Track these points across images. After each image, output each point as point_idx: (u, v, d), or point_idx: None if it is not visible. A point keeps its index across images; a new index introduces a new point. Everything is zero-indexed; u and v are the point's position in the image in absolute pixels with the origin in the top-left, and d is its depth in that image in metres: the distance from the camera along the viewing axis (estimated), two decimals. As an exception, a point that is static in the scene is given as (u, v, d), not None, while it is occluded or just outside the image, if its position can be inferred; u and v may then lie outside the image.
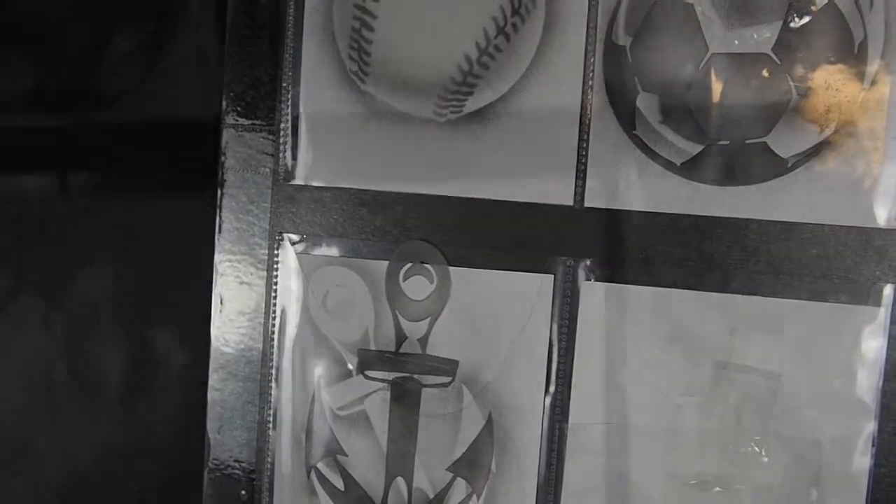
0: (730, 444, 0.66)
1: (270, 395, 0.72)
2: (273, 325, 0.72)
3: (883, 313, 0.64)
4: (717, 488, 0.66)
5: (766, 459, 0.66)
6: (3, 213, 0.77)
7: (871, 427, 0.65)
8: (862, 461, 0.65)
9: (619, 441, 0.67)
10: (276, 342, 0.72)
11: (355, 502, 0.71)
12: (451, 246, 0.69)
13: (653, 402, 0.67)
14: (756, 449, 0.66)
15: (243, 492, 0.73)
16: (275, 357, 0.72)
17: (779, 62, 0.63)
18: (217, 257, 0.72)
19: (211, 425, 0.73)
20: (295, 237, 0.71)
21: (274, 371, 0.72)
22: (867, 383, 0.65)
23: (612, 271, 0.67)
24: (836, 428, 0.65)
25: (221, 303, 0.72)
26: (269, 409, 0.72)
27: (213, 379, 0.72)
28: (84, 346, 0.77)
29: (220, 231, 0.71)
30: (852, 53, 0.63)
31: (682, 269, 0.66)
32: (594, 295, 0.67)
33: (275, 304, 0.71)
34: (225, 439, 0.73)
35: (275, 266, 0.71)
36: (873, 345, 0.64)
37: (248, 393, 0.72)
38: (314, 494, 0.72)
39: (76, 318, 0.77)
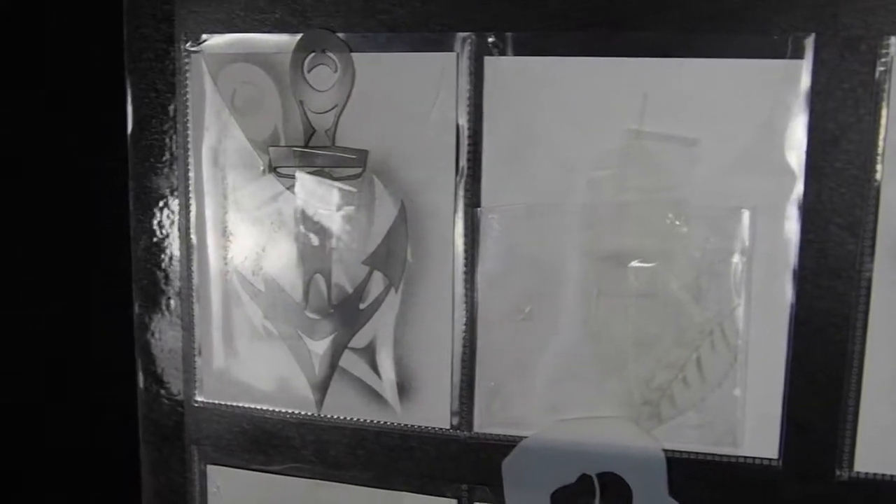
0: (646, 217, 0.58)
1: (190, 201, 0.66)
2: (186, 130, 0.65)
3: (805, 66, 0.55)
4: (636, 262, 0.59)
5: (685, 230, 0.58)
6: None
7: (797, 190, 0.56)
8: (789, 226, 0.57)
9: (532, 222, 0.60)
10: (191, 147, 0.65)
11: (276, 302, 0.65)
12: (352, 31, 0.61)
13: (565, 179, 0.59)
14: (674, 220, 0.58)
15: (170, 299, 0.68)
16: (191, 162, 0.66)
17: None
18: (126, 65, 0.66)
19: (134, 235, 0.68)
20: (200, 36, 0.64)
21: (192, 177, 0.66)
22: (791, 144, 0.56)
23: (516, 43, 0.59)
24: (758, 194, 0.57)
25: (135, 112, 0.66)
26: (189, 215, 0.67)
27: (133, 187, 0.67)
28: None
29: (126, 38, 0.65)
30: None
31: (589, 34, 0.58)
32: (499, 70, 0.59)
33: (186, 108, 0.65)
34: (149, 249, 0.68)
35: (183, 69, 0.65)
36: (796, 102, 0.56)
37: (169, 199, 0.67)
38: (237, 297, 0.66)
39: None
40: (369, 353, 0.64)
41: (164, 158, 0.66)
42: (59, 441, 0.70)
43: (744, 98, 0.56)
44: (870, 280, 0.56)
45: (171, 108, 0.65)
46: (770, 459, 0.59)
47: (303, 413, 0.66)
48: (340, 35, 0.61)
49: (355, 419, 0.65)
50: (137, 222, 0.68)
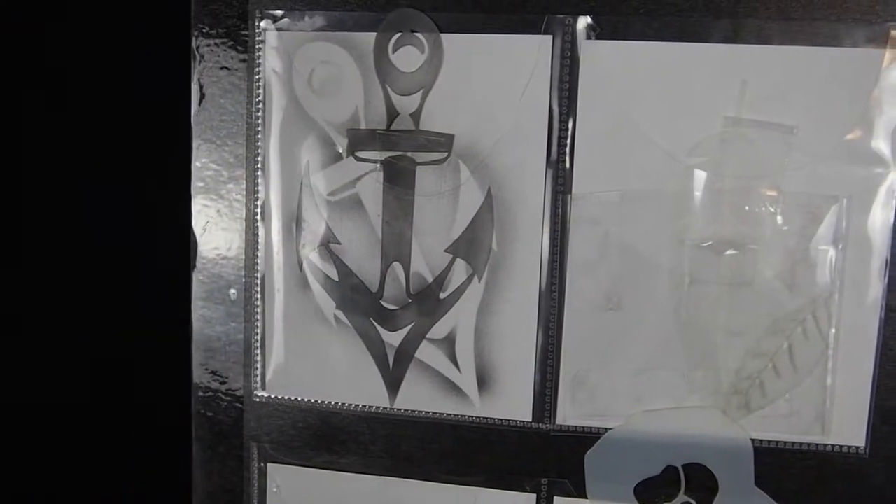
0: (742, 205, 0.56)
1: (257, 185, 0.62)
2: (257, 111, 0.61)
3: (902, 56, 0.54)
4: (730, 251, 0.57)
5: (780, 219, 0.56)
6: None
7: (891, 179, 0.55)
8: (884, 215, 0.55)
9: (625, 209, 0.57)
10: (261, 129, 0.61)
11: (350, 291, 0.61)
12: (442, 11, 0.58)
13: (660, 165, 0.57)
14: (770, 209, 0.56)
15: (233, 290, 0.63)
16: (261, 144, 0.61)
17: None
18: (194, 42, 0.61)
19: (195, 222, 0.63)
20: (276, 13, 0.60)
21: (260, 159, 0.61)
22: (885, 132, 0.55)
23: (613, 28, 0.56)
24: (853, 183, 0.55)
25: (201, 91, 0.62)
26: (257, 200, 0.62)
27: (196, 171, 0.62)
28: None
29: (194, 13, 0.60)
30: None
31: (687, 20, 0.56)
32: (596, 54, 0.56)
33: (258, 88, 0.61)
34: (211, 237, 0.63)
35: (257, 47, 0.60)
36: (892, 91, 0.55)
37: (234, 185, 0.62)
38: (307, 287, 0.62)
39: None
40: (448, 345, 0.60)
41: (232, 140, 0.61)
42: (109, 442, 0.64)
43: (842, 86, 0.54)
44: (962, 268, 0.55)
45: (243, 86, 0.60)
46: (857, 447, 0.57)
47: (374, 406, 0.62)
48: (430, 15, 0.58)
49: (430, 412, 0.61)
50: (201, 207, 0.62)
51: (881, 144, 0.55)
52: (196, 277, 0.63)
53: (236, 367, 0.63)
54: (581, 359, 0.59)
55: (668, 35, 0.56)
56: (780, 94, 0.55)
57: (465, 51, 0.58)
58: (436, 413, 0.61)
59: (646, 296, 0.58)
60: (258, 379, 0.63)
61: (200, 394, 0.64)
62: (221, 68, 0.61)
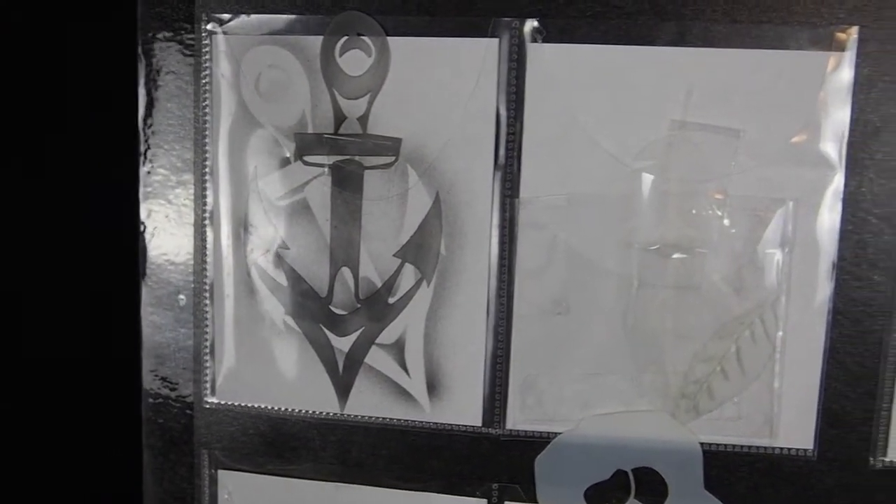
0: (689, 209, 0.56)
1: (205, 190, 0.60)
2: (205, 116, 0.59)
3: (848, 58, 0.54)
4: (677, 254, 0.56)
5: (727, 222, 0.55)
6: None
7: (837, 182, 0.54)
8: (830, 218, 0.55)
9: (572, 213, 0.56)
10: (209, 133, 0.59)
11: (299, 297, 0.60)
12: (388, 14, 0.57)
13: (607, 169, 0.56)
14: (717, 212, 0.56)
15: (182, 296, 0.62)
16: (209, 149, 0.60)
17: None
18: (141, 46, 0.60)
19: (144, 228, 0.61)
20: (223, 16, 0.58)
21: (209, 164, 0.60)
22: (831, 135, 0.54)
23: (560, 31, 0.56)
24: (800, 186, 0.55)
25: (149, 95, 0.60)
26: (205, 205, 0.60)
27: (143, 177, 0.61)
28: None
29: (140, 16, 0.59)
30: None
31: (633, 23, 0.55)
32: (542, 58, 0.55)
33: (206, 93, 0.59)
34: (159, 243, 0.62)
35: (204, 50, 0.59)
36: (838, 94, 0.54)
37: (182, 190, 0.61)
38: (256, 293, 0.60)
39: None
40: (398, 350, 0.59)
41: (179, 145, 0.60)
42: (59, 449, 0.62)
43: (787, 89, 0.54)
44: (908, 270, 0.54)
45: (190, 91, 0.59)
46: (805, 450, 0.56)
47: (325, 412, 0.61)
48: (376, 18, 0.56)
49: (381, 418, 0.60)
50: (148, 213, 0.61)
51: (827, 147, 0.54)
52: (145, 283, 0.62)
53: (186, 374, 0.62)
54: (530, 363, 0.58)
55: (614, 38, 0.55)
56: (726, 97, 0.54)
57: (412, 54, 0.56)
58: (386, 418, 0.60)
59: (594, 300, 0.57)
60: (208, 385, 0.62)
61: (150, 400, 0.63)
62: (168, 72, 0.59)
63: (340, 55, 0.57)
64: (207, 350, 0.61)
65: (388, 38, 0.56)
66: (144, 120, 0.60)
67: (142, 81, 0.59)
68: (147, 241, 0.61)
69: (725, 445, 0.57)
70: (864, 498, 0.56)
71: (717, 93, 0.54)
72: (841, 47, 0.53)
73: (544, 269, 0.57)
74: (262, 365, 0.61)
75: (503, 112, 0.56)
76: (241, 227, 0.60)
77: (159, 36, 0.59)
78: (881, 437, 0.56)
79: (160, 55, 0.59)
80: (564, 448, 0.58)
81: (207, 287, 0.61)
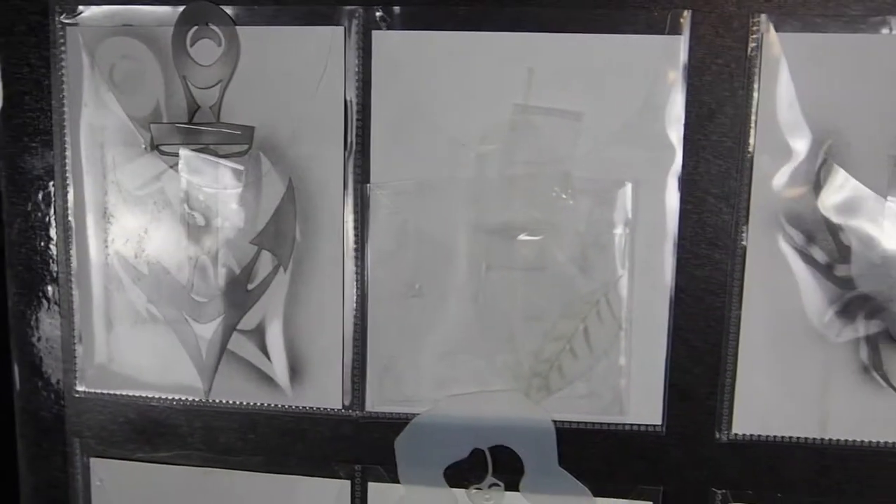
0: (533, 190, 0.56)
1: (66, 181, 0.60)
2: (62, 108, 0.59)
3: (683, 42, 0.54)
4: (524, 236, 0.56)
5: (570, 203, 0.56)
6: None
7: (676, 162, 0.54)
8: (670, 198, 0.55)
9: (421, 197, 0.56)
10: (68, 125, 0.59)
11: (160, 285, 0.59)
12: (236, 4, 0.56)
13: (453, 153, 0.55)
14: (560, 194, 0.56)
15: (49, 287, 0.61)
16: (68, 140, 0.59)
17: None
18: (-3, 39, 0.59)
19: (8, 219, 0.61)
20: (76, 8, 0.58)
21: (69, 155, 0.59)
22: (669, 118, 0.54)
23: (404, 18, 0.55)
24: (640, 167, 0.55)
25: (6, 88, 0.59)
26: (67, 195, 0.60)
27: (5, 170, 0.60)
28: None
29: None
30: None
31: (474, 8, 0.55)
32: (387, 44, 0.55)
33: (62, 85, 0.59)
34: (24, 234, 0.61)
35: (59, 42, 0.58)
36: (673, 77, 0.54)
37: (45, 181, 0.60)
38: (120, 282, 0.60)
39: None
40: (258, 335, 0.59)
41: (38, 137, 0.59)
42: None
43: (625, 72, 0.54)
44: (744, 248, 0.54)
45: (46, 83, 0.59)
46: (654, 426, 0.57)
47: (190, 399, 0.60)
48: (225, 8, 0.56)
49: (245, 403, 0.60)
50: (11, 205, 0.60)
51: (665, 129, 0.54)
52: (11, 274, 0.61)
53: (55, 363, 0.62)
54: (387, 346, 0.58)
55: (456, 24, 0.55)
56: (567, 80, 0.54)
57: (261, 43, 0.56)
58: (250, 403, 0.60)
59: (446, 282, 0.57)
60: (77, 374, 0.61)
61: (21, 390, 0.62)
62: (25, 65, 0.59)
63: (191, 45, 0.57)
64: (76, 339, 0.61)
65: (237, 27, 0.56)
66: (3, 113, 0.59)
67: (-1, 75, 0.59)
68: (12, 232, 0.61)
69: (577, 422, 0.57)
70: (711, 470, 0.57)
71: (557, 76, 0.54)
72: (676, 31, 0.53)
73: (397, 252, 0.57)
74: (129, 353, 0.60)
75: (351, 98, 0.56)
76: (103, 217, 0.59)
77: (15, 29, 0.58)
78: (726, 412, 0.56)
79: (16, 48, 0.59)
80: (422, 428, 0.58)
81: (73, 277, 0.60)
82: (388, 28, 0.55)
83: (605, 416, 0.57)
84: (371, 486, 0.60)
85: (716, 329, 0.56)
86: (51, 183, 0.60)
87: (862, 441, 0.55)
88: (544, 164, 0.55)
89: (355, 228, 0.57)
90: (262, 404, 0.60)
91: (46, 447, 0.63)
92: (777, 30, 0.53)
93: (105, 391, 0.61)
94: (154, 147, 0.58)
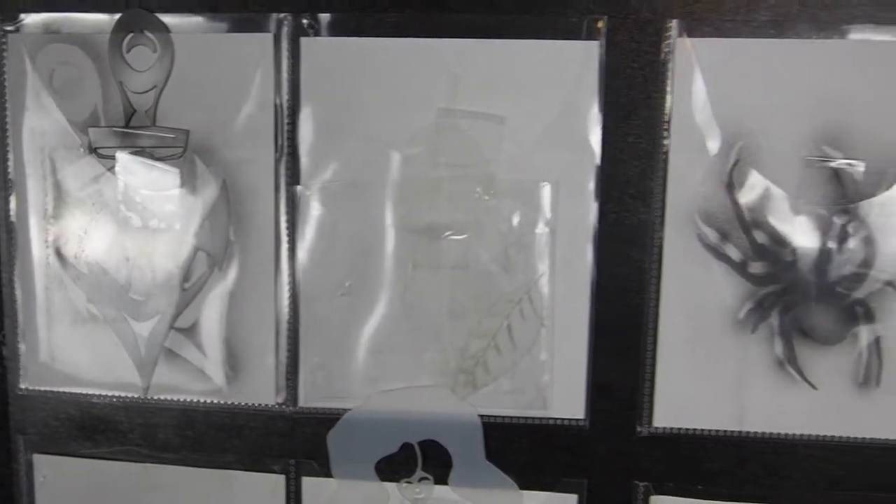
0: (458, 192, 0.57)
1: (9, 183, 0.61)
2: (4, 112, 0.60)
3: (599, 47, 0.55)
4: (449, 236, 0.57)
5: (493, 204, 0.57)
6: None
7: (594, 163, 0.56)
8: (588, 198, 0.56)
9: (350, 198, 0.57)
10: (10, 129, 0.60)
11: (100, 285, 0.60)
12: (171, 12, 0.57)
13: (380, 156, 0.57)
14: (483, 195, 0.57)
15: (-8, 287, 0.63)
16: (10, 143, 0.60)
17: None
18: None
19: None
20: (15, 14, 0.59)
21: (11, 157, 0.60)
22: (588, 120, 0.56)
23: (331, 25, 0.56)
24: (560, 168, 0.56)
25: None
26: (9, 197, 0.61)
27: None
28: None
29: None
30: None
31: (401, 14, 0.56)
32: (315, 51, 0.56)
33: (3, 89, 0.60)
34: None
35: (2, 50, 0.60)
36: (592, 81, 0.55)
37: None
38: (61, 281, 0.61)
39: None
40: (195, 333, 0.60)
41: (-20, 141, 0.61)
42: None
43: (546, 77, 0.55)
44: (661, 246, 0.56)
45: (-12, 89, 0.60)
46: (577, 420, 0.58)
47: (129, 396, 0.61)
48: (159, 16, 0.57)
49: (183, 400, 0.61)
50: (-45, 207, 0.62)
51: (584, 131, 0.55)
52: (-46, 275, 0.62)
53: (-1, 362, 0.63)
54: (319, 343, 0.59)
55: (383, 30, 0.56)
56: (490, 85, 0.56)
57: (194, 49, 0.57)
58: (188, 400, 0.61)
59: (374, 281, 0.58)
60: (21, 372, 0.62)
61: (-34, 388, 0.64)
62: (-34, 74, 0.60)
63: (127, 51, 0.58)
64: (19, 338, 0.62)
65: (171, 34, 0.57)
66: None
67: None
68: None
69: (503, 417, 0.58)
70: (634, 463, 0.58)
71: (481, 81, 0.56)
72: (592, 36, 0.55)
73: (327, 252, 0.58)
74: (70, 351, 0.61)
75: (281, 103, 0.57)
76: (44, 217, 0.60)
77: (-43, 37, 0.60)
78: (646, 406, 0.57)
79: (-41, 56, 0.60)
80: (354, 423, 0.59)
81: (16, 277, 0.61)
82: (316, 35, 0.56)
83: (530, 411, 0.58)
84: (305, 480, 0.61)
85: (635, 325, 0.57)
86: (-7, 188, 0.61)
87: (778, 434, 0.57)
88: (469, 167, 0.56)
89: (287, 229, 0.58)
90: (198, 401, 0.61)
91: (-9, 444, 0.64)
92: (689, 35, 0.54)
93: (48, 388, 0.62)
94: (92, 150, 0.59)
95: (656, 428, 0.57)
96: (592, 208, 0.56)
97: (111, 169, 0.59)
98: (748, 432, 0.57)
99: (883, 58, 0.53)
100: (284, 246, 0.58)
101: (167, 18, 0.57)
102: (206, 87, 0.58)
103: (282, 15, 0.56)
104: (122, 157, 0.59)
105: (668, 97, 0.54)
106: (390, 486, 0.60)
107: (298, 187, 0.58)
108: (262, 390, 0.60)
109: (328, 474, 0.60)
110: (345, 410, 0.59)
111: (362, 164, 0.57)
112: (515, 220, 0.56)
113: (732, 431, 0.57)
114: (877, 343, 0.55)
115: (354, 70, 0.56)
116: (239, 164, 0.58)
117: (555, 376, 0.58)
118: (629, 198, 0.56)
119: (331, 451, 0.60)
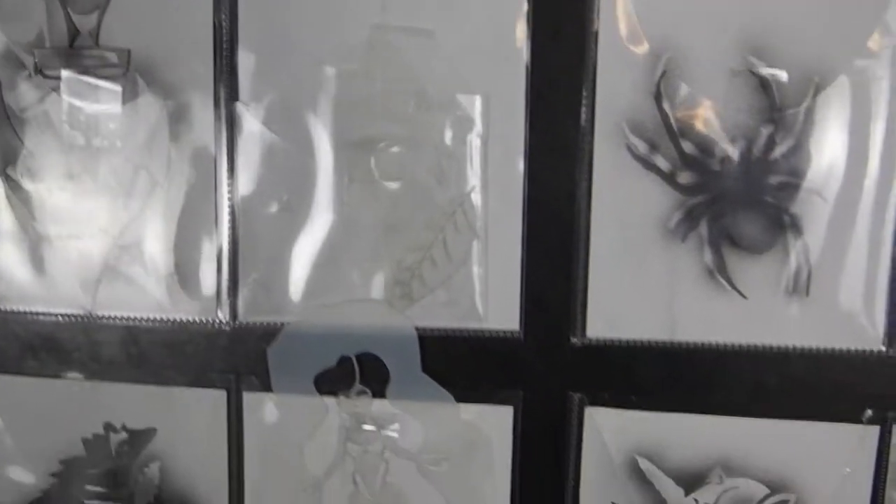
0: (392, 106, 0.57)
1: (-43, 106, 0.62)
2: (-48, 36, 0.62)
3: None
4: (384, 150, 0.58)
5: (426, 117, 0.57)
6: None
7: (524, 75, 0.56)
8: (520, 110, 0.56)
9: (287, 114, 0.58)
10: (-43, 52, 0.62)
11: (43, 204, 0.61)
12: (111, -67, 0.59)
13: (316, 73, 0.57)
14: (417, 108, 0.57)
15: (-59, 210, 0.63)
16: (-43, 67, 0.62)
17: None
18: None
19: None
20: (-37, -59, 0.61)
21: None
22: (517, 31, 0.56)
23: (267, -56, 0.58)
24: (490, 80, 0.57)
25: None
26: (-43, 120, 0.62)
27: None
28: None
29: None
30: None
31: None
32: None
33: (-49, 14, 0.61)
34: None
35: (-52, -26, 0.61)
36: (521, -7, 0.56)
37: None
38: (7, 201, 0.62)
39: None
40: (137, 250, 0.61)
41: (-71, 65, 0.62)
42: None
43: (474, -11, 0.56)
44: (591, 158, 0.56)
45: (-65, 13, 0.61)
46: (512, 332, 0.58)
47: (74, 314, 0.62)
48: (100, -64, 0.59)
49: (126, 317, 0.62)
50: None
51: (513, 43, 0.56)
52: None
53: (-51, 283, 0.64)
54: (258, 258, 0.60)
55: (316, -52, 0.57)
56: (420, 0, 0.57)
57: (135, -31, 0.59)
58: (131, 317, 0.62)
59: (311, 196, 0.59)
60: (-31, 292, 0.63)
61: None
62: (-85, -6, 0.61)
63: (70, -28, 0.59)
64: (-31, 259, 0.63)
65: (113, -45, 0.59)
66: None
67: None
68: None
69: (439, 329, 0.59)
70: (568, 374, 0.58)
71: (411, -5, 0.57)
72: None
73: (265, 168, 0.59)
74: (15, 270, 0.62)
75: (220, 22, 0.58)
76: (-8, 140, 0.62)
77: None
78: (579, 317, 0.58)
79: None
80: (293, 337, 0.60)
81: (-36, 199, 0.63)
82: (252, -46, 0.57)
83: (466, 323, 0.58)
84: (246, 395, 0.61)
85: (567, 237, 0.57)
86: (-57, 108, 0.62)
87: (709, 342, 0.57)
88: (401, 81, 0.57)
89: (227, 145, 0.59)
90: (142, 317, 0.61)
91: (-63, 366, 0.65)
92: (616, -53, 0.55)
93: (-5, 308, 0.63)
94: (38, 71, 0.60)
95: (590, 339, 0.58)
96: (522, 120, 0.56)
97: (55, 89, 0.60)
98: (680, 342, 0.57)
99: (804, -34, 0.54)
100: (224, 163, 0.59)
101: (108, -61, 0.59)
102: (147, 7, 0.59)
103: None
104: (67, 77, 0.60)
105: (596, 8, 0.55)
106: (329, 401, 0.60)
107: (238, 104, 0.58)
108: (203, 306, 0.61)
109: (268, 388, 0.61)
110: (284, 325, 0.60)
111: (298, 81, 0.58)
112: (448, 133, 0.57)
113: (664, 341, 0.57)
114: (805, 252, 0.56)
115: (289, -13, 0.57)
116: (180, 82, 0.59)
117: (489, 288, 0.58)
118: (559, 110, 0.56)
119: (271, 365, 0.60)
